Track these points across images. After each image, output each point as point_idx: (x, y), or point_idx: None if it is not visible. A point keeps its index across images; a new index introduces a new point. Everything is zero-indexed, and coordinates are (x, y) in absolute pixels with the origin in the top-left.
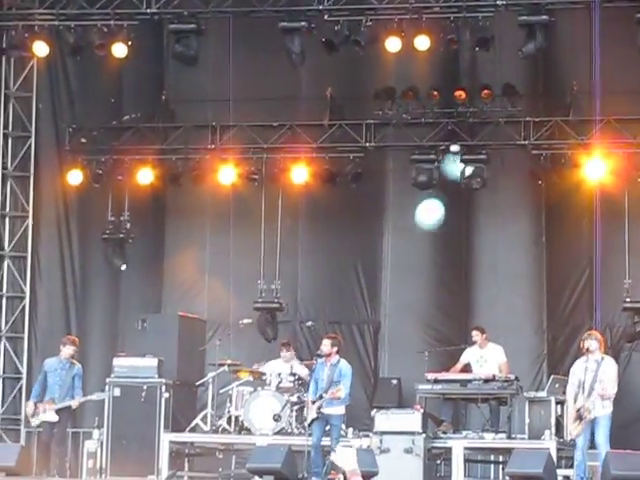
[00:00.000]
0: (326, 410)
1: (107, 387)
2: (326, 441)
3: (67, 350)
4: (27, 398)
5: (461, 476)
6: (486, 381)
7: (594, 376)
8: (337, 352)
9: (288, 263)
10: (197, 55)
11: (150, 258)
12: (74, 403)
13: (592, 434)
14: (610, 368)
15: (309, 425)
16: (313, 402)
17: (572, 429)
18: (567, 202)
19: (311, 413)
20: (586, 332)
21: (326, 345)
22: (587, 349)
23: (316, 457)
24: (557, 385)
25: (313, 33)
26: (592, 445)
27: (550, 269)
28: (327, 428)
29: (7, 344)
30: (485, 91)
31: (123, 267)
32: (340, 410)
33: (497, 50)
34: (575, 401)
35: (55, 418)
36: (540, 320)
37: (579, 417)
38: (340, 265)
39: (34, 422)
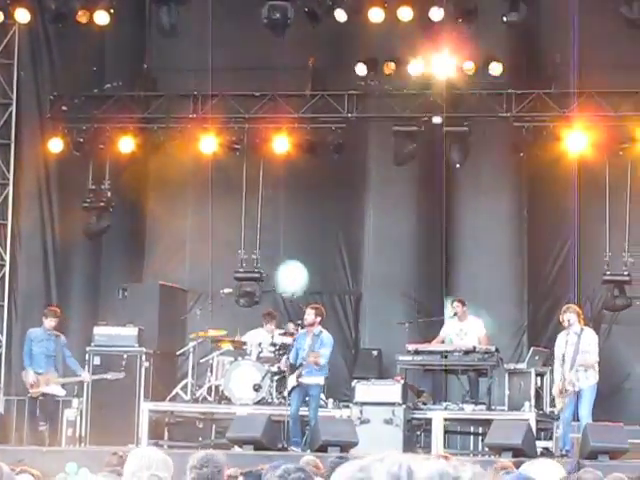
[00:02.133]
0: (305, 380)
1: (87, 355)
2: (305, 411)
3: (50, 322)
4: (6, 366)
5: (441, 447)
6: (466, 353)
7: (575, 348)
8: (320, 322)
9: (269, 233)
10: (178, 24)
11: (131, 227)
12: (85, 377)
13: (576, 406)
14: (590, 338)
15: (289, 394)
16: (292, 366)
17: (557, 402)
18: (548, 175)
19: (291, 381)
20: (564, 306)
21: (310, 314)
22: (568, 322)
23: (294, 427)
24: (537, 357)
25: (296, 3)
26: (576, 417)
27: (531, 241)
28: (307, 399)
29: None
30: (467, 63)
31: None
32: (319, 380)
33: (480, 22)
34: (561, 374)
35: (63, 392)
36: (521, 292)
37: (562, 391)
38: (321, 235)
39: (35, 393)
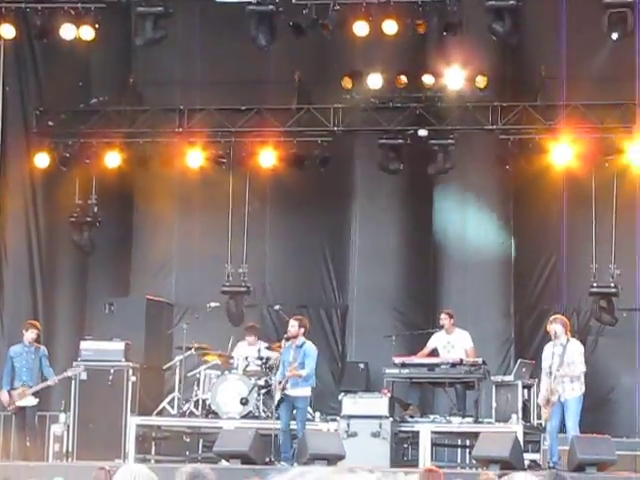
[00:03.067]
0: (291, 392)
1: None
2: (293, 424)
3: (30, 334)
4: None
5: (428, 460)
6: (453, 365)
7: (560, 360)
8: (304, 333)
9: (256, 247)
10: (164, 38)
11: (118, 241)
12: (52, 381)
13: (563, 417)
14: (575, 349)
15: (276, 408)
16: (280, 383)
17: (543, 413)
18: (535, 187)
19: (277, 395)
20: (551, 316)
21: (293, 326)
22: (555, 333)
23: (285, 441)
24: (524, 369)
25: (281, 17)
26: (563, 429)
27: (518, 254)
28: (294, 412)
29: None
30: (453, 76)
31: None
32: (305, 392)
33: (465, 35)
34: (544, 385)
35: (34, 402)
36: (508, 304)
37: (547, 401)
38: (308, 249)
39: (13, 409)
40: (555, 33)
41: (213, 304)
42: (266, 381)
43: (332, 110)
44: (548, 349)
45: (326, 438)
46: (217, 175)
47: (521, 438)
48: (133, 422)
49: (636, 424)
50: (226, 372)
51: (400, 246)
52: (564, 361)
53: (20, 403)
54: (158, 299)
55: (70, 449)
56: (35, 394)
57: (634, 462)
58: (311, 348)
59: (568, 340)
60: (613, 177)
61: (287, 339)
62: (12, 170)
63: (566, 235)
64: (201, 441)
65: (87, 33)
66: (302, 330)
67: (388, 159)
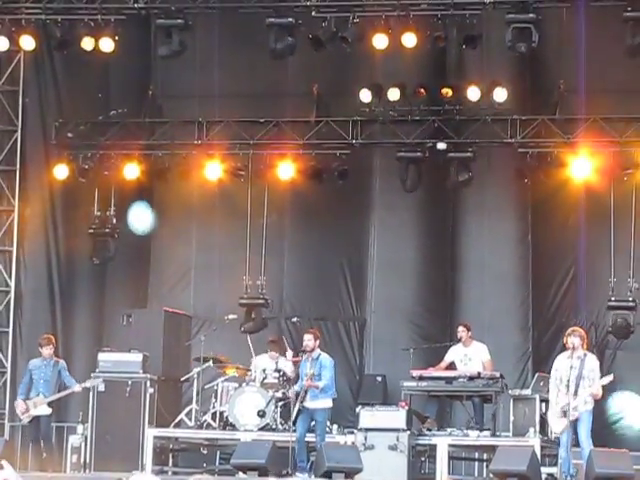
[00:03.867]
0: (310, 404)
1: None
2: (311, 437)
3: (47, 350)
4: (11, 393)
5: (445, 473)
6: (471, 378)
7: (578, 374)
8: (319, 345)
9: (274, 259)
10: (184, 50)
11: (136, 253)
12: (78, 387)
13: (575, 430)
14: (594, 366)
15: (294, 421)
16: (296, 395)
17: (555, 425)
18: (553, 201)
19: (294, 408)
20: (570, 329)
21: (310, 340)
22: (573, 345)
23: (300, 451)
24: (542, 383)
25: (300, 29)
26: (575, 442)
27: (536, 267)
28: (312, 424)
29: None
30: (472, 89)
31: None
32: (325, 404)
33: (484, 48)
34: (557, 397)
35: (48, 411)
36: (526, 318)
37: (564, 414)
38: (326, 262)
39: (26, 419)
40: (574, 46)
41: (231, 316)
42: (284, 393)
43: (351, 123)
44: (563, 361)
45: (343, 451)
46: (235, 187)
47: (538, 452)
48: (150, 434)
49: None
50: (243, 384)
51: (418, 259)
52: (582, 375)
53: (34, 412)
54: (176, 311)
55: (88, 460)
56: (50, 404)
57: None
58: (327, 359)
59: (585, 354)
60: (632, 191)
61: (304, 352)
62: (31, 181)
63: (584, 249)
64: (218, 453)
65: (107, 45)
66: (317, 342)
67: (407, 173)
